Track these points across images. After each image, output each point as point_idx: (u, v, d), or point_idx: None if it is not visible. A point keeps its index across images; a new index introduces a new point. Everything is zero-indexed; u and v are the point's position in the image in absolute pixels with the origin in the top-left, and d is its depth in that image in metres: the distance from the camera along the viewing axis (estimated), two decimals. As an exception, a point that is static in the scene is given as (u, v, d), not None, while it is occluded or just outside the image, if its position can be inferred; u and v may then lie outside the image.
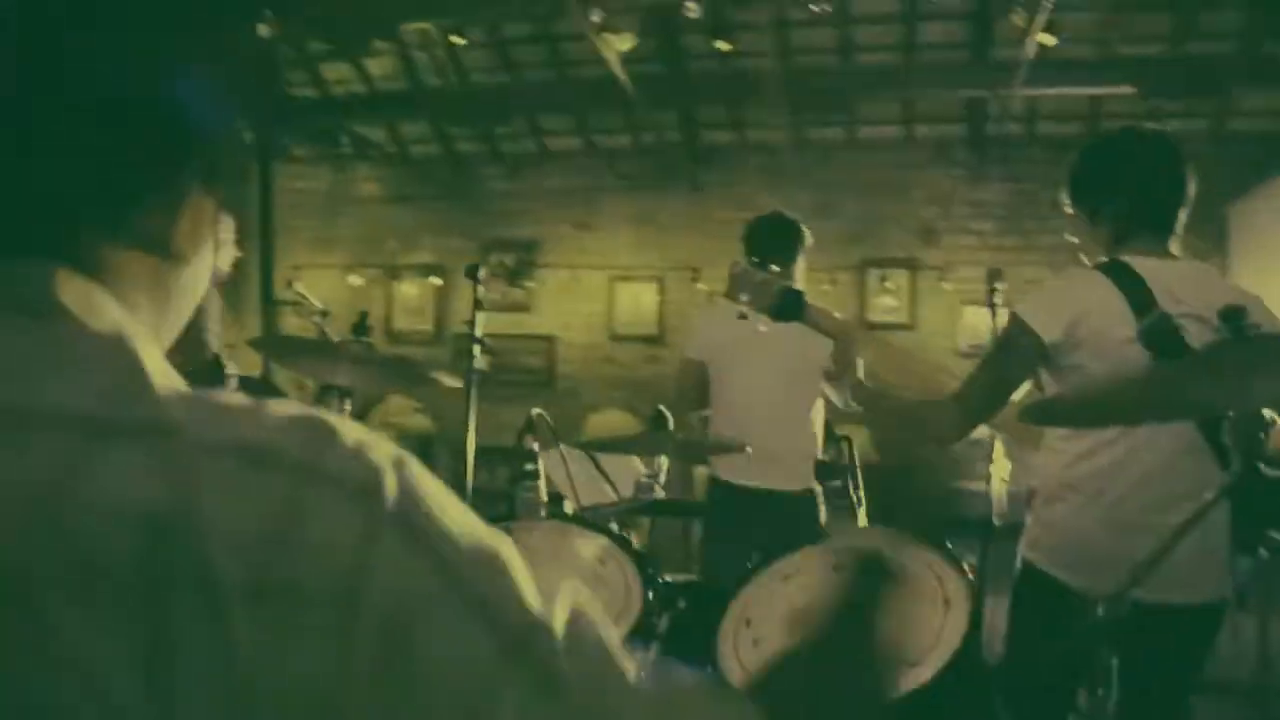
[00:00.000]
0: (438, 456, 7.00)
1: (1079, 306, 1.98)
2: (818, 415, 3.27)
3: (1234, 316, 1.44)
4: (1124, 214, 2.05)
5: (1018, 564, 2.12)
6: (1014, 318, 2.06)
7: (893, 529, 1.87)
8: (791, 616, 1.75)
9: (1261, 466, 1.84)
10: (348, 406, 2.02)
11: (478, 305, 2.74)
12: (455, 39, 6.75)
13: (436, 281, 8.38)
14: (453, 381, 2.03)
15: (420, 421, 8.52)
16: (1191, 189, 2.06)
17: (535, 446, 2.03)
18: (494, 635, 0.48)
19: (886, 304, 7.58)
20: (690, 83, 7.50)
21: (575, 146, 8.38)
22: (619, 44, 6.16)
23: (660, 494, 3.06)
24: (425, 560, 0.48)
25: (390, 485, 0.48)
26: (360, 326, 2.00)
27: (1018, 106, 6.87)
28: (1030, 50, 5.76)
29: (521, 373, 7.97)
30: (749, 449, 2.72)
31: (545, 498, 1.98)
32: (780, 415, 3.13)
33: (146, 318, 0.57)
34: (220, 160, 0.60)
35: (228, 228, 3.23)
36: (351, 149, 8.41)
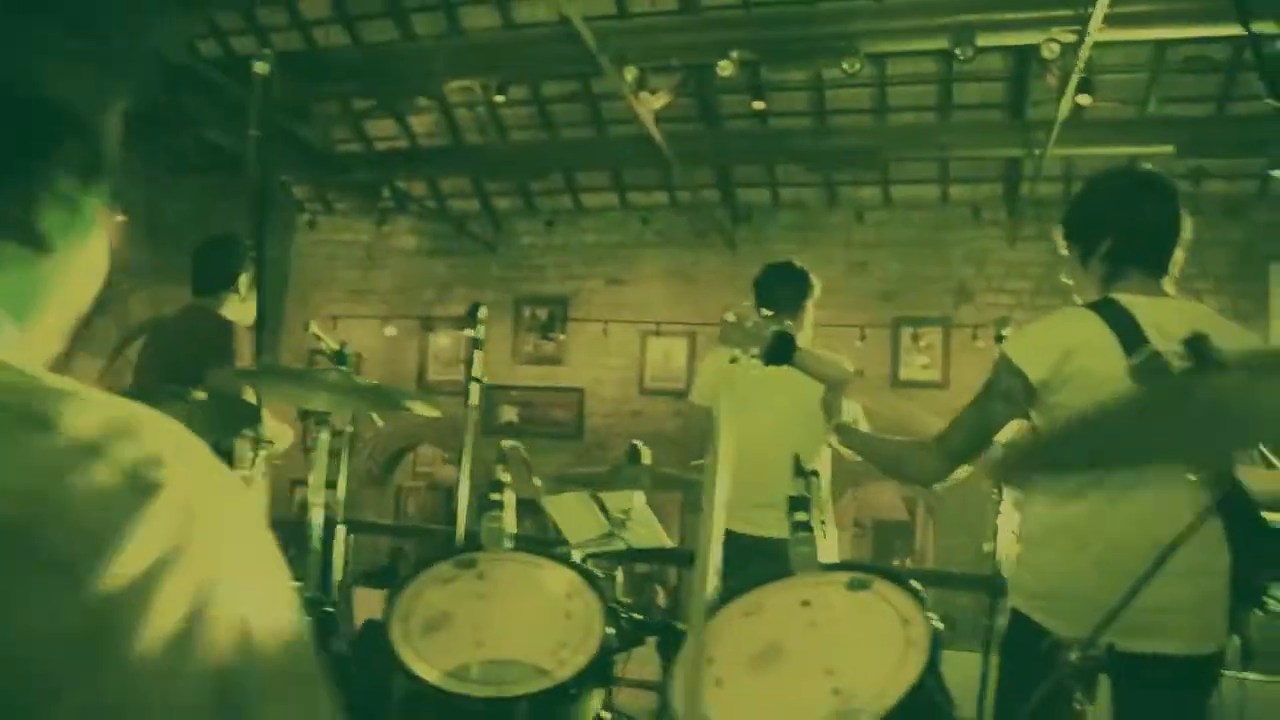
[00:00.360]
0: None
1: (1067, 343, 1.91)
2: (823, 460, 3.18)
3: (1196, 343, 1.38)
4: (1114, 253, 1.99)
5: (1006, 615, 2.03)
6: (1001, 356, 2.00)
7: (857, 566, 1.81)
8: (754, 655, 1.69)
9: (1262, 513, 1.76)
10: (324, 434, 2.03)
11: (476, 345, 2.77)
12: (496, 97, 6.91)
13: (470, 333, 8.46)
14: (429, 410, 2.03)
15: (449, 471, 8.54)
16: (1186, 229, 2.00)
17: (506, 478, 2.01)
18: (211, 664, 0.46)
19: (919, 362, 7.49)
20: (725, 141, 7.57)
21: (611, 203, 8.48)
22: (654, 102, 6.24)
23: (664, 536, 3.01)
24: (180, 560, 0.46)
25: (174, 480, 0.47)
26: (340, 356, 2.04)
27: (1054, 166, 6.81)
28: (1066, 110, 5.72)
29: (550, 424, 7.98)
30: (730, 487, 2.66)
31: (512, 528, 1.96)
32: (774, 460, 3.06)
33: (25, 309, 0.57)
34: (105, 158, 0.60)
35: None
36: (393, 202, 8.61)
